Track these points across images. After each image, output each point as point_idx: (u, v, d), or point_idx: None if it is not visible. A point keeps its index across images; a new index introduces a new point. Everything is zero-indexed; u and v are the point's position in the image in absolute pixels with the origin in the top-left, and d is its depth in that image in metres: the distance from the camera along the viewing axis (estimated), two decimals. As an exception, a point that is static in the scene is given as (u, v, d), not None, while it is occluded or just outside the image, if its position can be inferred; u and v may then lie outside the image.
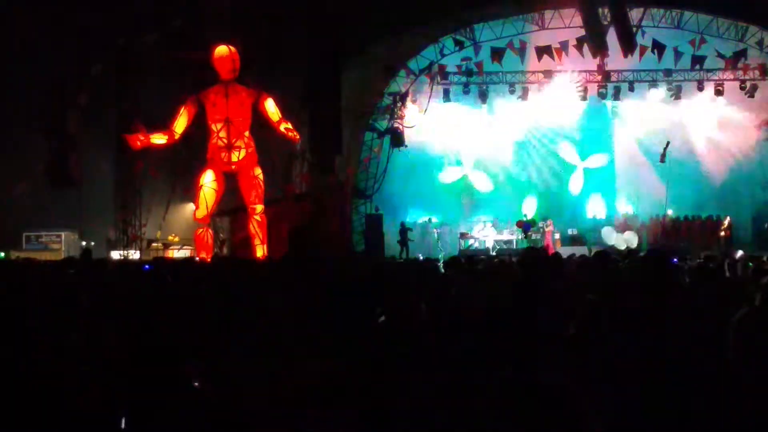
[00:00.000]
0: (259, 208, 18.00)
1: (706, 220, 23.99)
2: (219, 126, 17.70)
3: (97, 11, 18.29)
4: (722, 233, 22.72)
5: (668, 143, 22.28)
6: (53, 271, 8.47)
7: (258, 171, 18.17)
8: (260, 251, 17.41)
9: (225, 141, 17.71)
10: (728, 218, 23.07)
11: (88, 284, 6.23)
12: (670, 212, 24.44)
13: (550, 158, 26.22)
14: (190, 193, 19.20)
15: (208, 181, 17.73)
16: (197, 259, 15.69)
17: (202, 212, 17.87)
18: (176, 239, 22.09)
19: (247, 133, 17.92)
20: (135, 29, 19.62)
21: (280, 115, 17.88)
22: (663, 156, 22.29)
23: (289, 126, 17.91)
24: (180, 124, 17.62)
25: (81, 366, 3.56)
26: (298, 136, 18.38)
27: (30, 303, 4.99)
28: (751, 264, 8.74)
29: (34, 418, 3.06)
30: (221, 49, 17.62)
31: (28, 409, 3.07)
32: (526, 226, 22.95)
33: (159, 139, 17.54)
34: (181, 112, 17.60)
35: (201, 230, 18.02)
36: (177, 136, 17.77)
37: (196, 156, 18.35)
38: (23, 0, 18.74)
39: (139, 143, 17.36)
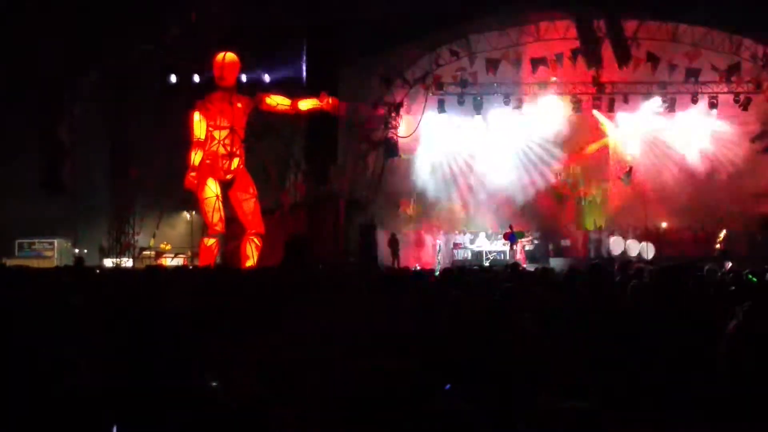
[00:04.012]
0: (256, 230, 17.64)
1: (700, 233, 23.96)
2: (224, 134, 17.43)
3: (92, 19, 18.23)
4: (717, 246, 22.69)
5: (630, 168, 23.72)
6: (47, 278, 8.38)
7: (253, 188, 17.95)
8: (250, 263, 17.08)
9: (228, 149, 17.49)
10: (724, 231, 23.07)
11: (82, 290, 6.16)
12: (663, 224, 24.45)
13: (545, 169, 26.14)
14: (186, 201, 18.97)
15: (217, 192, 17.46)
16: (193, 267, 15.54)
17: (220, 225, 17.47)
18: (168, 247, 21.96)
19: (241, 143, 17.83)
20: (131, 37, 19.55)
21: (290, 99, 17.74)
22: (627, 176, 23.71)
23: (315, 99, 17.74)
24: (202, 131, 17.36)
25: (76, 372, 3.50)
26: (332, 100, 17.95)
27: (24, 310, 4.90)
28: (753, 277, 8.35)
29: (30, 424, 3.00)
30: (229, 56, 17.44)
31: (23, 415, 3.01)
32: (511, 237, 22.84)
33: (198, 158, 17.28)
34: (198, 119, 17.33)
35: (212, 241, 17.58)
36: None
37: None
38: (18, 6, 18.64)
39: (196, 181, 17.20)
